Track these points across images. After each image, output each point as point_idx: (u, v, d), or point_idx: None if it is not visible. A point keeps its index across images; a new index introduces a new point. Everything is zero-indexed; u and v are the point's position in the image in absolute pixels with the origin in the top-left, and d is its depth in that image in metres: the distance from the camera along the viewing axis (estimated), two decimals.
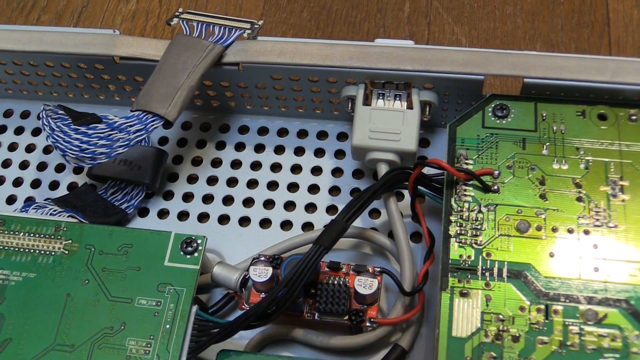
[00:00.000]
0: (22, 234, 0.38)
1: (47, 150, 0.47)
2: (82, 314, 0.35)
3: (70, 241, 0.37)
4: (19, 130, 0.48)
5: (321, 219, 0.42)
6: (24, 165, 0.47)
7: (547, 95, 0.39)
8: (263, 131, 0.46)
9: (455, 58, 0.39)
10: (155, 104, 0.39)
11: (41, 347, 0.35)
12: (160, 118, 0.39)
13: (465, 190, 0.36)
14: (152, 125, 0.38)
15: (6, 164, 0.47)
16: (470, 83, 0.39)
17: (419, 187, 0.38)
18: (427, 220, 0.37)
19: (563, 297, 0.32)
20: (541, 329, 0.32)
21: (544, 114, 0.38)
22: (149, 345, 0.34)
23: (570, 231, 0.34)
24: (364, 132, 0.39)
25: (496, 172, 0.36)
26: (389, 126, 0.39)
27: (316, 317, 0.36)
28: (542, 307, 0.32)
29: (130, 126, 0.38)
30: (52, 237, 0.38)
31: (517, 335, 0.31)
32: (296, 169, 0.44)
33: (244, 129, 0.46)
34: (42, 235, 0.38)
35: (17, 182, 0.46)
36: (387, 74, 0.40)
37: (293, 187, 0.44)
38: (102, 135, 0.38)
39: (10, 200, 0.46)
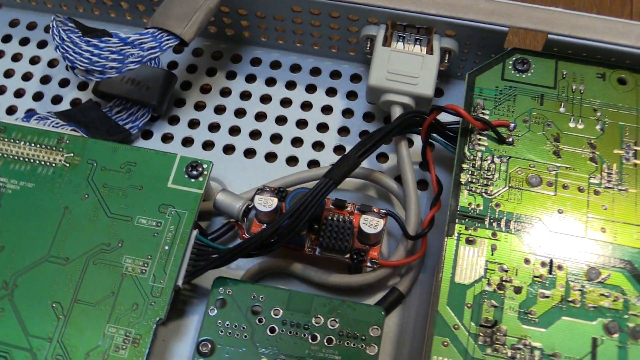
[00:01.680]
0: (22, 142, 0.37)
1: (51, 63, 0.46)
2: (79, 228, 0.35)
3: (72, 154, 0.37)
4: (24, 41, 0.47)
5: (328, 158, 0.42)
6: (26, 77, 0.46)
7: (568, 54, 0.38)
8: (275, 65, 0.45)
9: (481, 7, 0.38)
10: (171, 22, 0.38)
11: (34, 257, 0.34)
12: (176, 37, 0.38)
13: (479, 139, 0.35)
14: (167, 44, 0.37)
15: (8, 74, 0.46)
16: (493, 34, 0.39)
17: (432, 133, 0.37)
18: (435, 169, 0.37)
19: (568, 253, 0.32)
20: (544, 283, 0.31)
21: (564, 73, 0.37)
22: (145, 265, 0.34)
23: (580, 190, 0.34)
24: (381, 73, 0.39)
25: (512, 124, 0.35)
26: (407, 69, 0.39)
27: (317, 253, 0.36)
28: (547, 261, 0.32)
29: (144, 43, 0.37)
30: (54, 148, 0.37)
31: (520, 286, 0.31)
32: (306, 106, 0.44)
33: (256, 61, 0.45)
34: (44, 146, 0.37)
35: (19, 93, 0.45)
36: (411, 16, 0.39)
37: (302, 123, 0.43)
38: (114, 49, 0.37)
39: (11, 111, 0.45)
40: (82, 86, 0.45)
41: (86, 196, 0.35)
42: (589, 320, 0.31)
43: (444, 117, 0.36)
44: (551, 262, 0.32)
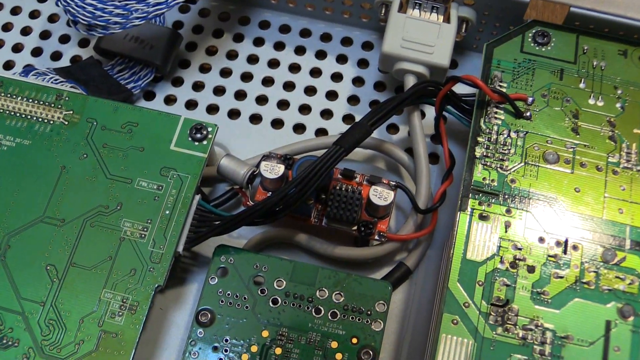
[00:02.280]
0: (19, 98, 0.36)
1: (52, 18, 0.45)
2: (76, 189, 0.34)
3: (71, 112, 0.35)
4: None
5: (336, 127, 0.40)
6: (25, 31, 0.44)
7: (590, 29, 0.37)
8: (285, 29, 0.44)
9: None
10: None
11: (29, 217, 0.33)
12: None
13: (496, 112, 0.34)
14: (174, 0, 0.36)
15: (7, 27, 0.44)
16: (513, 4, 0.38)
17: (447, 105, 0.36)
18: (447, 142, 0.36)
19: (584, 234, 0.31)
20: (558, 263, 0.30)
21: (585, 48, 0.36)
22: (145, 229, 0.33)
23: (598, 169, 0.33)
24: (396, 40, 0.37)
25: (530, 98, 0.34)
26: (423, 37, 0.37)
27: (323, 224, 0.35)
28: (562, 240, 0.31)
29: None
30: (52, 105, 0.36)
31: (533, 266, 0.30)
32: (315, 72, 0.42)
33: (264, 24, 0.44)
34: (42, 102, 0.36)
35: (17, 48, 0.44)
36: None
37: (310, 90, 0.42)
38: (118, 4, 0.36)
39: (8, 66, 0.43)
40: (83, 43, 0.44)
41: (85, 156, 0.34)
42: (603, 303, 0.30)
43: (458, 88, 0.35)
44: (566, 242, 0.31)
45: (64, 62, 0.43)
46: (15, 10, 0.45)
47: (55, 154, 0.34)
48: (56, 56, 0.43)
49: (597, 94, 0.35)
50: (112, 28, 0.36)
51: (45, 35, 0.44)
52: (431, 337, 0.31)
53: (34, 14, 0.45)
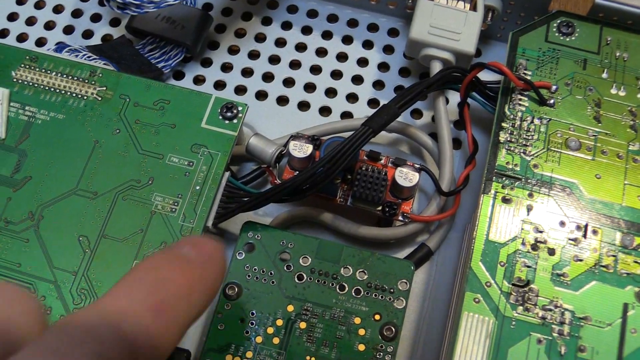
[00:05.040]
0: (54, 73, 0.36)
1: None
2: (109, 163, 0.35)
3: (104, 88, 0.36)
4: None
5: (361, 110, 0.41)
6: (57, 9, 0.45)
7: (614, 21, 0.37)
8: (312, 14, 0.44)
9: None
10: None
11: (62, 189, 0.34)
12: None
13: (520, 99, 0.35)
14: None
15: (39, 5, 0.45)
16: None
17: (471, 91, 0.37)
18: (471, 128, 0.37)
19: (604, 219, 0.32)
20: (578, 247, 0.31)
21: (609, 39, 0.37)
22: (175, 204, 0.33)
23: (619, 157, 0.33)
24: (423, 27, 0.38)
25: (554, 87, 0.35)
26: (450, 24, 0.38)
27: (349, 204, 0.35)
28: (582, 225, 0.32)
29: None
30: (86, 81, 0.36)
31: (554, 248, 0.31)
32: (342, 57, 0.43)
33: (292, 9, 0.44)
34: (76, 78, 0.36)
35: (49, 26, 0.44)
36: None
37: (336, 74, 0.42)
38: None
39: (40, 43, 0.44)
40: (114, 22, 0.44)
41: (117, 131, 0.35)
42: (621, 286, 0.31)
43: (482, 76, 0.36)
44: (586, 226, 0.32)
45: (95, 40, 0.44)
46: None
47: (88, 129, 0.35)
48: (88, 34, 0.44)
49: (619, 84, 0.35)
50: (146, 7, 0.37)
51: (77, 13, 0.45)
52: (453, 314, 0.32)
53: None
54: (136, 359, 0.20)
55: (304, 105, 0.42)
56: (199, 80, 0.42)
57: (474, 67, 0.35)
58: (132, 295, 0.22)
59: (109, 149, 0.35)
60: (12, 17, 0.45)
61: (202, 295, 0.23)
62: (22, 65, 0.37)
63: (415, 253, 0.36)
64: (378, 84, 0.42)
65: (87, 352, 0.19)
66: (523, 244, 0.31)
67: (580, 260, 0.31)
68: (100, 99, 0.36)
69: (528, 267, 0.31)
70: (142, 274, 0.23)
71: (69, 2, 0.45)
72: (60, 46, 0.40)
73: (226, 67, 0.43)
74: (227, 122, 0.35)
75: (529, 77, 0.35)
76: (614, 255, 0.31)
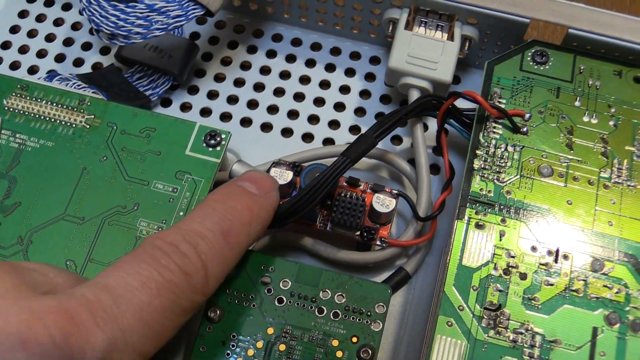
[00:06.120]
0: (44, 102, 0.38)
1: (75, 26, 0.47)
2: (96, 189, 0.36)
3: (92, 116, 0.37)
4: (48, 3, 0.48)
5: (343, 137, 0.42)
6: (49, 38, 0.46)
7: (587, 50, 0.39)
8: (296, 42, 0.45)
9: None
10: None
11: (50, 215, 0.35)
12: (202, 7, 0.38)
13: (494, 127, 0.36)
14: (193, 13, 0.38)
15: (31, 34, 0.46)
16: (514, 24, 0.39)
17: (448, 118, 0.38)
18: (448, 154, 0.38)
19: (575, 244, 0.33)
20: (549, 271, 0.32)
21: (582, 67, 0.38)
22: (160, 229, 0.34)
23: (590, 183, 0.34)
24: (402, 56, 0.39)
25: (527, 114, 0.36)
26: (427, 54, 0.39)
27: (328, 228, 0.36)
28: (553, 250, 0.33)
29: (170, 11, 0.38)
30: (75, 109, 0.38)
31: (525, 273, 0.32)
32: (324, 84, 0.44)
33: (277, 37, 0.46)
34: (65, 107, 0.38)
35: (41, 54, 0.46)
36: (434, 1, 0.39)
37: (319, 101, 0.44)
38: (139, 15, 0.38)
39: (32, 70, 0.45)
40: (104, 50, 0.46)
41: (104, 158, 0.36)
42: (591, 310, 0.31)
43: (460, 103, 0.37)
44: (557, 251, 0.33)
45: (86, 68, 0.45)
46: (40, 18, 0.47)
47: (76, 156, 0.36)
48: (78, 62, 0.45)
49: (592, 112, 0.36)
50: (133, 38, 0.38)
51: (68, 42, 0.46)
52: (427, 337, 0.33)
53: (57, 22, 0.47)
54: (207, 273, 0.27)
55: (287, 132, 0.43)
56: (185, 107, 0.44)
57: (450, 95, 0.36)
58: (206, 221, 0.28)
59: (96, 176, 0.36)
60: (5, 45, 0.46)
61: (259, 223, 0.30)
62: (14, 94, 0.38)
63: (393, 277, 0.37)
64: (360, 111, 0.43)
65: (172, 262, 0.26)
66: (495, 268, 0.32)
67: (551, 284, 0.32)
68: (88, 126, 0.37)
69: (500, 291, 0.32)
70: (213, 203, 0.29)
71: (61, 31, 0.47)
72: (51, 75, 0.41)
73: (212, 95, 0.44)
74: (210, 149, 0.36)
75: (503, 105, 0.36)
76: (584, 280, 0.32)
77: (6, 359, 0.21)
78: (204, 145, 0.36)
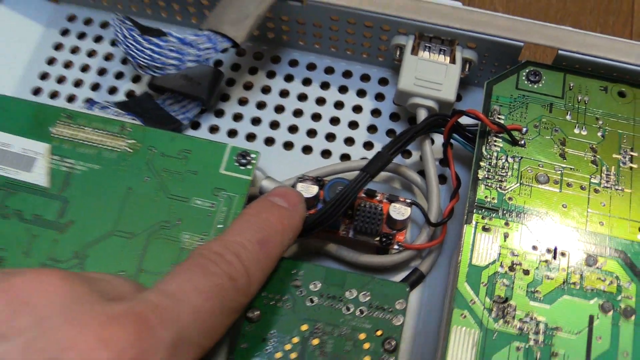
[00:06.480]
0: (88, 129, 0.41)
1: (107, 57, 0.51)
2: (141, 207, 0.39)
3: (134, 141, 0.41)
4: (81, 36, 0.51)
5: (358, 152, 0.46)
6: (84, 69, 0.50)
7: (575, 68, 0.42)
8: (311, 67, 0.49)
9: (500, 23, 0.43)
10: (226, 26, 0.42)
11: (102, 231, 0.38)
12: (229, 40, 0.42)
13: (495, 141, 0.40)
14: (222, 45, 0.42)
15: (67, 65, 0.50)
16: (509, 48, 0.43)
17: (453, 134, 0.42)
18: (454, 165, 0.42)
19: (571, 243, 0.37)
20: (549, 267, 0.36)
21: (571, 84, 0.42)
22: (202, 240, 0.38)
23: (582, 188, 0.38)
24: (409, 79, 0.43)
25: (524, 129, 0.40)
26: (432, 76, 0.43)
27: (350, 235, 0.40)
28: (552, 248, 0.37)
29: (201, 44, 0.42)
30: (117, 135, 0.41)
31: (528, 269, 0.36)
32: (339, 105, 0.48)
33: (293, 63, 0.50)
34: (108, 132, 0.41)
35: (77, 84, 0.49)
36: (437, 29, 0.43)
37: (335, 120, 0.48)
38: (173, 48, 0.42)
39: (70, 99, 0.49)
40: (135, 79, 0.49)
41: (147, 179, 0.40)
42: (587, 299, 0.35)
43: (463, 120, 0.41)
44: (555, 249, 0.37)
45: (120, 95, 0.49)
46: (75, 50, 0.51)
47: (122, 177, 0.40)
48: (113, 90, 0.49)
49: (582, 124, 0.40)
50: (168, 69, 0.42)
51: (102, 72, 0.50)
52: (444, 329, 0.37)
53: (91, 54, 0.51)
54: (250, 278, 0.31)
55: (307, 149, 0.47)
56: (213, 129, 0.47)
57: (455, 113, 0.40)
58: (245, 233, 0.32)
59: (140, 195, 0.39)
60: (44, 76, 0.50)
61: (291, 233, 0.34)
62: (59, 122, 0.41)
63: (410, 276, 0.41)
64: (372, 128, 0.47)
65: (220, 269, 0.29)
66: (501, 266, 0.36)
67: (551, 278, 0.36)
68: (130, 150, 0.41)
69: (506, 285, 0.36)
70: (249, 217, 0.33)
71: (95, 62, 0.50)
72: (91, 102, 0.45)
73: (237, 117, 0.48)
74: (242, 167, 0.40)
75: (502, 121, 0.40)
76: (580, 274, 0.36)
77: (89, 359, 0.24)
78: (236, 164, 0.40)
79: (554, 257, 0.36)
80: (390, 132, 0.47)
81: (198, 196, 0.39)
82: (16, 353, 0.24)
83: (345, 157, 0.46)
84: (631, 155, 0.39)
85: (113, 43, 0.51)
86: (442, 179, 0.45)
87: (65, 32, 0.52)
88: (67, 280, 0.27)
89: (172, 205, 0.39)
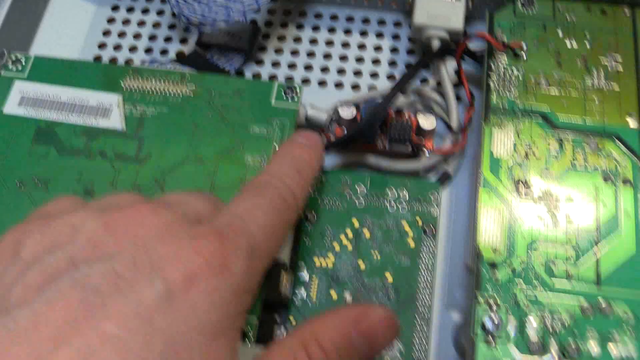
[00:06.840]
0: (154, 80, 0.48)
1: (155, 24, 0.57)
2: (208, 137, 0.45)
3: (194, 86, 0.48)
4: (130, 9, 0.58)
5: (383, 84, 0.53)
6: (136, 36, 0.57)
7: None
8: (334, 17, 0.56)
9: None
10: None
11: (176, 160, 0.45)
12: None
13: (500, 57, 0.47)
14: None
15: (121, 35, 0.57)
16: None
17: (463, 58, 0.49)
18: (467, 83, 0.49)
19: (573, 132, 0.44)
20: (558, 152, 0.44)
21: (560, 8, 0.49)
22: (262, 159, 0.45)
23: (577, 89, 0.46)
24: (423, 14, 0.51)
25: (524, 45, 0.48)
26: (442, 11, 0.50)
27: (386, 147, 0.47)
28: (558, 140, 0.44)
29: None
30: (179, 82, 0.48)
31: (539, 157, 0.43)
32: (362, 46, 0.55)
33: (318, 15, 0.56)
34: (171, 81, 0.48)
35: (132, 49, 0.56)
36: None
37: (360, 59, 0.54)
38: (220, 5, 0.49)
39: (127, 63, 0.56)
40: (183, 40, 0.56)
41: (210, 115, 0.47)
42: (591, 173, 0.43)
43: (471, 45, 0.48)
44: (561, 139, 0.44)
45: (171, 56, 0.56)
46: (125, 22, 0.58)
47: (187, 116, 0.46)
48: (164, 52, 0.56)
49: (572, 38, 0.48)
50: (218, 25, 0.49)
51: (152, 37, 0.57)
52: (474, 210, 0.44)
53: (140, 23, 0.58)
54: (295, 197, 0.37)
55: (339, 85, 0.53)
56: (256, 76, 0.54)
57: (465, 37, 0.48)
58: (283, 165, 0.38)
59: (205, 128, 0.46)
60: (101, 45, 0.57)
61: (316, 166, 0.40)
62: (128, 77, 0.49)
63: (440, 178, 0.48)
64: (392, 63, 0.54)
65: (273, 193, 0.36)
66: (517, 154, 0.44)
67: (560, 159, 0.43)
68: (192, 94, 0.48)
69: (522, 169, 0.43)
70: (283, 153, 0.40)
71: (145, 30, 0.57)
72: (151, 61, 0.52)
73: (275, 64, 0.54)
74: (289, 100, 0.47)
75: (505, 40, 0.48)
76: (583, 156, 0.44)
77: (189, 271, 0.29)
78: (285, 97, 0.47)
79: (560, 146, 0.44)
80: (408, 66, 0.54)
81: (256, 124, 0.46)
82: (124, 267, 0.29)
83: (372, 88, 0.53)
84: (616, 59, 0.47)
85: (159, 12, 0.58)
86: (457, 98, 0.52)
87: (115, 8, 0.59)
88: (157, 211, 0.32)
89: (233, 132, 0.46)
